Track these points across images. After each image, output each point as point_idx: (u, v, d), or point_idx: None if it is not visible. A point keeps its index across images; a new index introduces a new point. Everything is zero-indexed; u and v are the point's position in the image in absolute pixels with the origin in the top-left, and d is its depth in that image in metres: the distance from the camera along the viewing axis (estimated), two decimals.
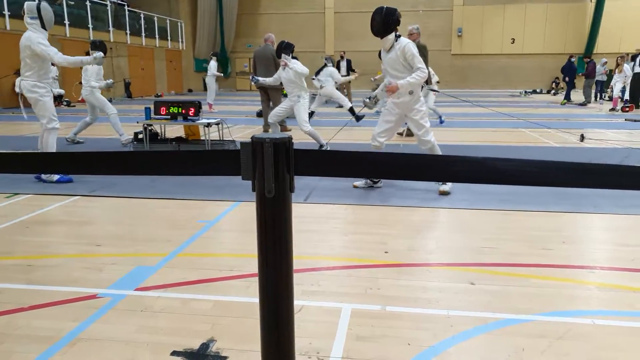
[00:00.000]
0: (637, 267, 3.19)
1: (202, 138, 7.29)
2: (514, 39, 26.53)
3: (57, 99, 16.58)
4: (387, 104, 5.12)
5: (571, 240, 3.72)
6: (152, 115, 6.99)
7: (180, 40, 25.84)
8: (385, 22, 4.66)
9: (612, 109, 14.40)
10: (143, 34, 22.16)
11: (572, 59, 17.70)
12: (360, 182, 5.33)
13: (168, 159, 1.08)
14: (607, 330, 2.41)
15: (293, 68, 6.69)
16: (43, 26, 5.24)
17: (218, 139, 7.32)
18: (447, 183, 4.98)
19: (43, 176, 5.48)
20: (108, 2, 19.60)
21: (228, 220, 4.30)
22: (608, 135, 9.26)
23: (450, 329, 2.42)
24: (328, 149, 7.25)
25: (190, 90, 26.94)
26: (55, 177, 5.44)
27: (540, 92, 24.41)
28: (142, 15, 22.15)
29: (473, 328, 2.42)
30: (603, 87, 18.46)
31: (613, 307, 2.66)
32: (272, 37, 9.65)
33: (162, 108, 6.92)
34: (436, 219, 4.36)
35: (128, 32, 20.90)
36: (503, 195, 4.84)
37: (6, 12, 14.55)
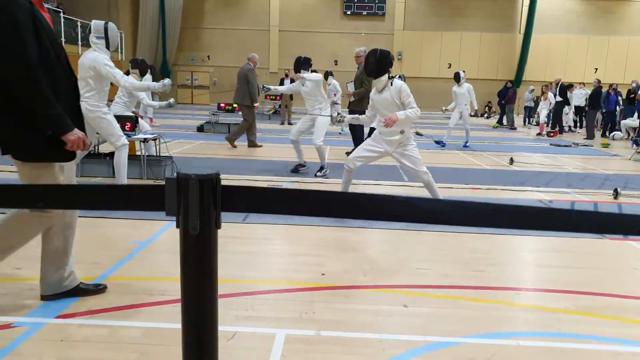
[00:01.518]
0: (557, 288, 3.38)
1: (138, 153, 7.05)
2: (450, 63, 27.70)
3: None
4: (374, 135, 5.11)
5: (500, 262, 3.88)
6: None
7: (119, 50, 25.03)
8: (379, 64, 4.77)
9: (539, 134, 15.33)
10: (80, 43, 21.30)
11: (508, 85, 18.61)
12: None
13: (86, 194, 1.02)
14: (530, 350, 2.53)
15: (310, 79, 6.85)
16: (107, 46, 5.10)
17: (155, 154, 7.11)
18: None
19: None
20: None
21: (163, 240, 4.16)
22: (534, 159, 9.83)
23: (383, 352, 2.44)
24: (327, 172, 7.07)
25: None
26: None
27: (475, 115, 25.57)
28: (79, 23, 21.31)
29: (405, 352, 2.46)
30: (531, 112, 19.62)
31: (535, 328, 2.80)
32: (255, 57, 10.04)
33: None
34: (373, 240, 4.43)
35: (63, 39, 20.00)
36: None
37: None
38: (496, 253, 4.11)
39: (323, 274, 3.44)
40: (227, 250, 3.81)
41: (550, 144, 12.82)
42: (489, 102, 26.34)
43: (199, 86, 28.19)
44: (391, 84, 4.83)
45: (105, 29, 5.13)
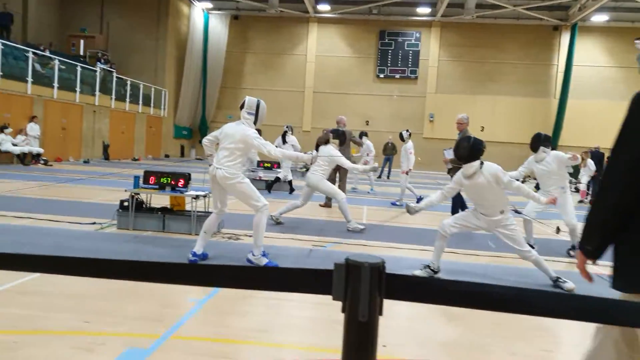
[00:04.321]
0: None
1: (188, 209, 7.23)
2: (483, 126, 27.87)
3: (35, 158, 16.35)
4: (475, 212, 5.18)
5: (567, 342, 3.75)
6: (141, 184, 6.95)
7: (162, 107, 26.23)
8: (472, 150, 4.91)
9: (581, 201, 15.05)
10: (127, 100, 22.47)
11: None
12: (419, 272, 5.18)
13: (259, 275, 1.09)
14: None
15: (556, 156, 6.87)
16: (255, 122, 5.34)
17: (203, 210, 7.27)
18: (568, 281, 4.90)
19: (251, 258, 5.28)
20: (98, 69, 20.02)
21: (220, 298, 4.19)
22: (579, 227, 9.59)
23: None
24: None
25: (167, 156, 26.98)
26: (265, 260, 5.27)
27: None
28: (128, 82, 22.58)
29: None
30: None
31: None
32: (343, 120, 10.68)
33: (151, 177, 6.91)
34: (433, 312, 4.35)
35: (113, 97, 21.17)
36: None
37: None
38: (562, 331, 3.98)
39: (384, 346, 3.38)
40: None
41: None
42: None
43: None
44: (481, 168, 4.91)
45: (257, 106, 5.32)
